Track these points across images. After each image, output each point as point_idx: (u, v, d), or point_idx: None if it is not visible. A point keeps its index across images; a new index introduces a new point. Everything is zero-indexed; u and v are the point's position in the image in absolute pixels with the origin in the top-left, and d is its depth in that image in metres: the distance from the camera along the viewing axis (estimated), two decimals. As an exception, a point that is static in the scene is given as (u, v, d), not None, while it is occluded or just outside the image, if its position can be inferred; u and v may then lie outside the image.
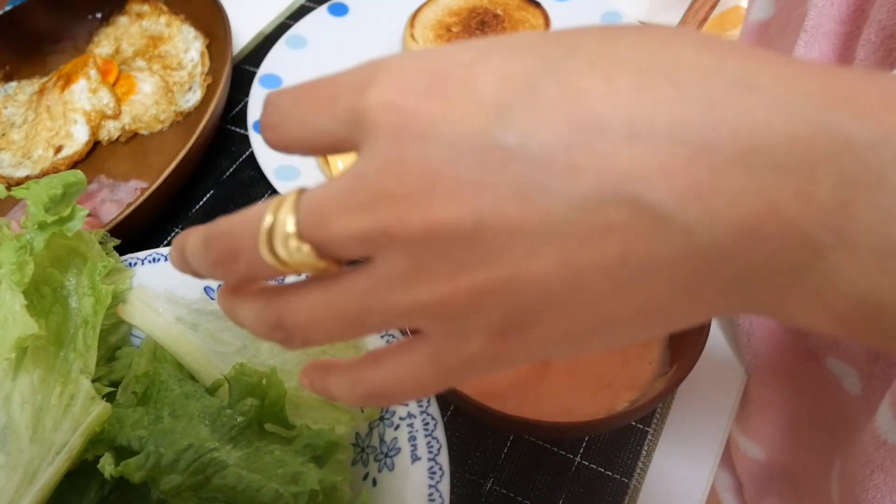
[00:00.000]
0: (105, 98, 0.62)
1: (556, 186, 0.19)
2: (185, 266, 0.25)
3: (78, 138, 0.61)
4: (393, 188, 0.20)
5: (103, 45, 0.71)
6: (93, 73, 0.62)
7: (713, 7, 0.47)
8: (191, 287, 0.47)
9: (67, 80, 0.62)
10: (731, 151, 0.18)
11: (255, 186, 0.60)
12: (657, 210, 0.18)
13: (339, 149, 0.23)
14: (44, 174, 0.59)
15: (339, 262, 0.22)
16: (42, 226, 0.37)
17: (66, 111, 0.61)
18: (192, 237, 0.24)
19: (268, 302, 0.24)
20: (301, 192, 0.22)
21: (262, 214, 0.22)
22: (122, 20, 0.72)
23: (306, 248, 0.21)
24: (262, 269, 0.22)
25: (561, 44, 0.20)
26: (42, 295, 0.42)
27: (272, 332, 0.24)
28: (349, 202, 0.20)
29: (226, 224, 0.23)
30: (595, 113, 0.19)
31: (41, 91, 0.63)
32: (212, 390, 0.42)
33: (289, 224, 0.21)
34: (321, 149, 0.23)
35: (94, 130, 0.62)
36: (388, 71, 0.21)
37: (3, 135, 0.61)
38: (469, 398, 0.39)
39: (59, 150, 0.60)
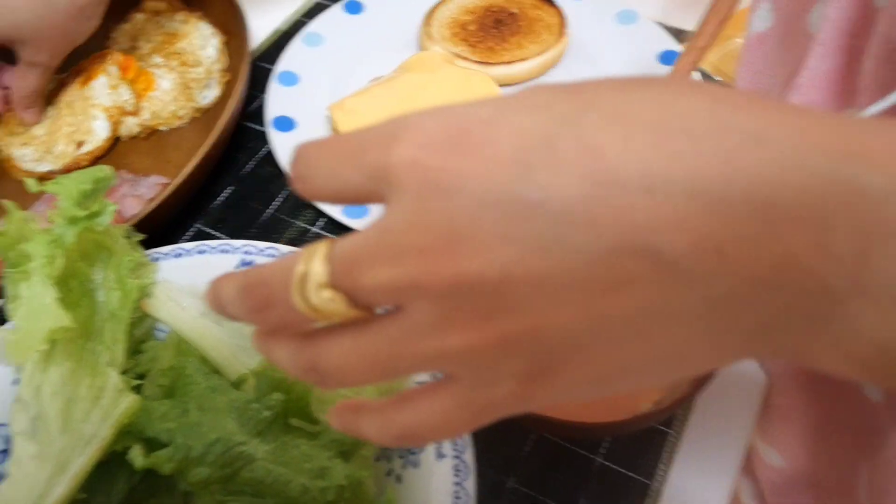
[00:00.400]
0: (125, 94, 0.63)
1: (577, 239, 0.20)
2: (221, 310, 0.26)
3: (98, 134, 0.62)
4: (421, 241, 0.21)
5: (120, 42, 0.71)
6: (113, 69, 0.63)
7: (733, 6, 0.47)
8: (214, 282, 0.48)
9: (88, 77, 0.62)
10: (747, 204, 0.19)
11: (274, 182, 0.60)
12: (675, 261, 0.19)
13: (365, 200, 0.24)
14: (66, 169, 0.60)
15: (369, 309, 0.23)
16: (73, 220, 0.37)
17: (86, 107, 0.62)
18: (228, 285, 0.25)
19: (301, 346, 0.25)
20: (332, 242, 0.23)
21: (295, 265, 0.23)
22: (139, 17, 0.72)
23: (339, 297, 0.22)
24: (295, 317, 0.23)
25: (576, 101, 0.21)
26: (70, 288, 0.43)
27: (306, 374, 0.25)
28: (379, 254, 0.22)
29: (260, 274, 0.24)
30: (612, 168, 0.20)
31: (61, 86, 0.64)
32: (237, 384, 0.43)
33: (321, 274, 0.22)
34: (349, 200, 0.24)
35: (115, 126, 0.62)
36: (412, 128, 0.22)
37: (26, 131, 0.62)
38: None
39: (80, 145, 0.61)
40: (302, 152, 0.25)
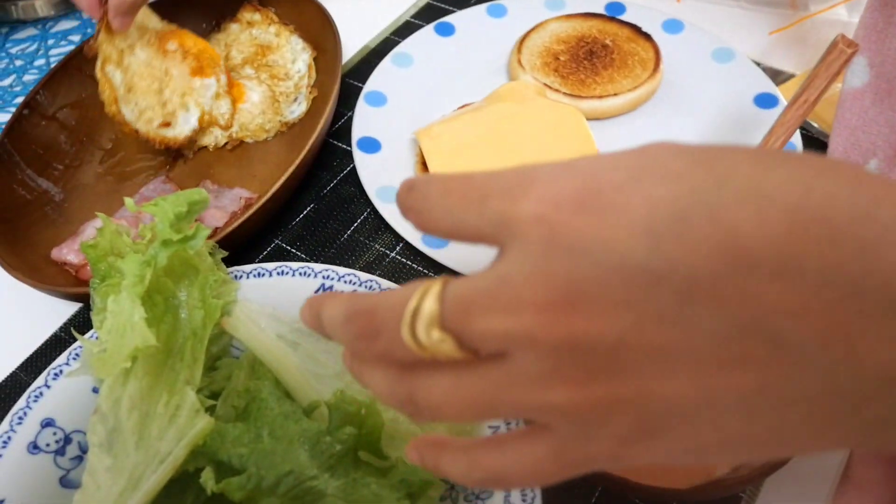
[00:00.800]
0: (224, 107, 0.63)
1: (699, 315, 0.20)
2: (319, 328, 0.26)
3: (182, 127, 0.62)
4: (540, 295, 0.21)
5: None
6: (223, 78, 0.64)
7: (847, 62, 0.45)
8: (293, 305, 0.48)
9: (200, 69, 0.63)
10: (882, 299, 0.18)
11: (355, 203, 0.60)
12: (800, 348, 0.19)
13: (480, 242, 0.24)
14: (146, 137, 0.61)
15: (475, 353, 0.23)
16: (167, 244, 0.38)
17: (186, 94, 0.62)
18: (333, 307, 0.25)
19: (401, 377, 0.25)
20: (446, 281, 0.23)
21: (408, 299, 0.23)
22: (234, 27, 0.73)
23: (448, 338, 0.23)
24: (399, 351, 0.24)
25: (712, 172, 0.21)
26: (154, 303, 0.43)
27: (401, 405, 0.25)
28: (495, 303, 0.22)
29: (371, 302, 0.25)
30: (744, 247, 0.19)
31: (162, 51, 0.63)
32: (308, 411, 0.43)
33: (433, 313, 0.23)
34: (463, 238, 0.25)
35: (201, 130, 0.63)
36: (541, 182, 0.22)
37: (130, 89, 0.62)
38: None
39: (166, 125, 0.62)
40: (421, 186, 0.25)
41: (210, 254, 0.48)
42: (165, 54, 0.62)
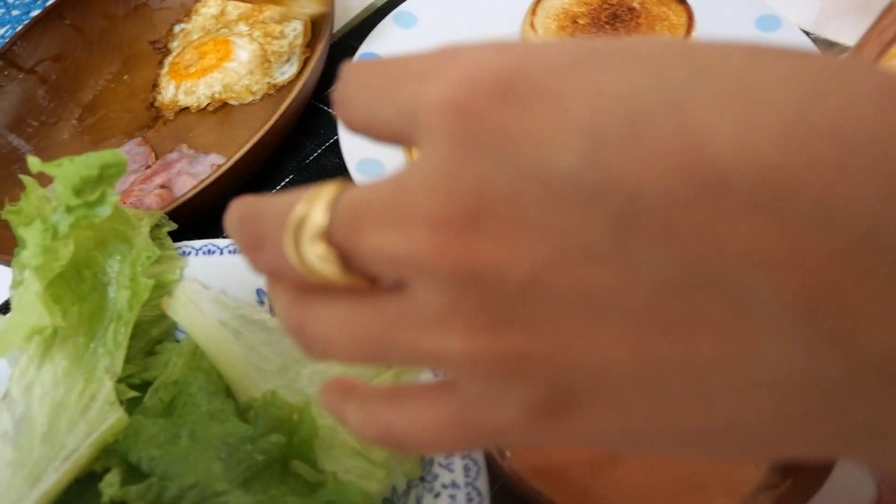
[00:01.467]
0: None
1: (643, 252, 0.14)
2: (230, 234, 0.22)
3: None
4: (437, 207, 0.16)
5: (210, 5, 0.68)
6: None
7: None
8: (243, 286, 0.43)
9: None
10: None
11: (339, 175, 0.55)
12: (775, 313, 0.14)
13: (401, 143, 0.20)
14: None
15: (369, 280, 0.19)
16: (68, 209, 0.33)
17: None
18: (232, 208, 0.21)
19: (294, 300, 0.20)
20: (343, 187, 0.18)
21: (295, 204, 0.19)
22: (234, -21, 0.68)
23: (333, 256, 0.18)
24: (284, 267, 0.19)
25: (689, 60, 0.15)
26: (82, 278, 0.39)
27: (294, 334, 0.20)
28: (387, 213, 0.17)
29: (259, 205, 0.20)
30: (715, 164, 0.14)
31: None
32: (244, 409, 0.38)
33: (319, 221, 0.18)
34: (384, 139, 0.20)
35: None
36: (461, 60, 0.17)
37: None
38: (522, 478, 0.32)
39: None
40: (345, 72, 0.20)
41: (158, 225, 0.43)
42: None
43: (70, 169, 0.32)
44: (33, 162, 0.33)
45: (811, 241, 0.13)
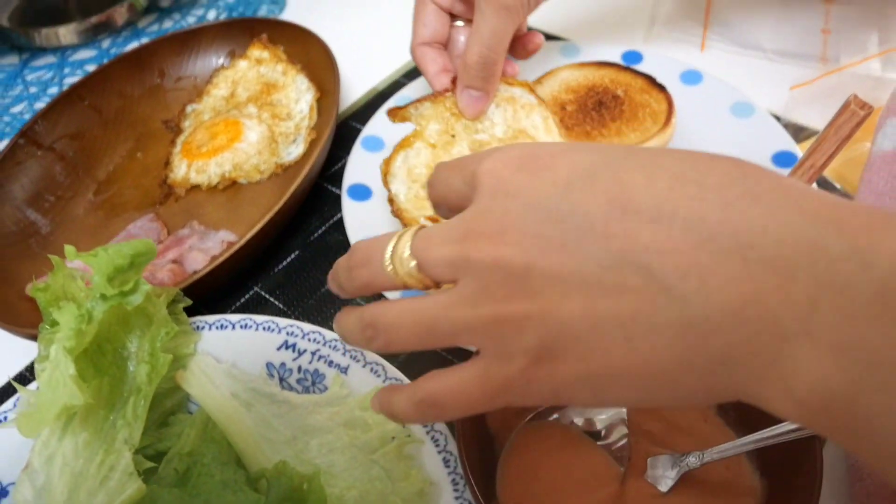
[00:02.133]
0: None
1: (591, 246, 0.25)
2: (334, 278, 0.33)
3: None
4: (479, 228, 0.27)
5: (220, 87, 0.72)
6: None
7: (859, 125, 0.41)
8: (254, 360, 0.46)
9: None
10: (731, 244, 0.23)
11: (343, 252, 0.57)
12: (664, 279, 0.24)
13: (461, 201, 0.30)
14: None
15: (436, 283, 0.29)
16: (104, 297, 0.36)
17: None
18: (353, 248, 0.32)
19: (368, 307, 0.30)
20: (421, 227, 0.30)
21: (392, 238, 0.30)
22: (242, 64, 0.72)
23: (413, 264, 0.29)
24: (381, 276, 0.30)
25: (625, 150, 0.27)
26: (103, 353, 0.41)
27: (365, 329, 0.30)
28: (448, 235, 0.28)
29: (364, 243, 0.32)
30: (632, 198, 0.25)
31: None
32: (254, 478, 0.40)
33: (406, 247, 0.29)
34: (451, 200, 0.31)
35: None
36: (500, 152, 0.29)
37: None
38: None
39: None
40: (438, 168, 0.32)
41: (173, 301, 0.46)
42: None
43: (104, 259, 0.35)
44: (70, 250, 0.36)
45: (683, 238, 0.23)
